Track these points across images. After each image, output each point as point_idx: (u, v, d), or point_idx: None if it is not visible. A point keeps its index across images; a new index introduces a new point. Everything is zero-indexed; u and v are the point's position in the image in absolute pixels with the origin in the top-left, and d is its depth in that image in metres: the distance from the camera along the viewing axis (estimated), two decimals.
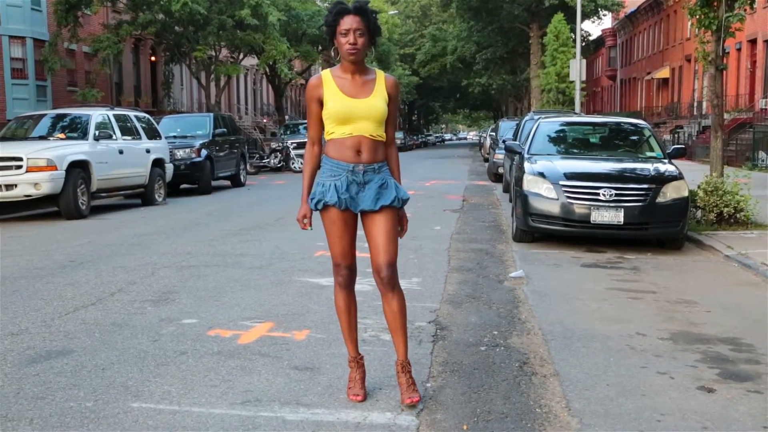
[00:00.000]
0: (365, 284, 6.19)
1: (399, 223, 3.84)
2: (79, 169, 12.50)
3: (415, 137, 72.47)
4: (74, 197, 12.27)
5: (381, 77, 3.77)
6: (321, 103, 3.71)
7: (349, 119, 3.65)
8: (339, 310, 3.89)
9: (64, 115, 14.38)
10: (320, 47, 38.50)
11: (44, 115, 14.80)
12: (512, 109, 60.40)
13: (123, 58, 29.40)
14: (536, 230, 9.02)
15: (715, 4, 10.46)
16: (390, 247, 3.74)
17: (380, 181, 3.73)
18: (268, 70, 37.59)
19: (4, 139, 13.57)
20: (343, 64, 3.71)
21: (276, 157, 27.55)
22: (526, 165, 9.41)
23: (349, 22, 3.58)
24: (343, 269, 3.82)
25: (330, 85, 3.69)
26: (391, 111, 3.77)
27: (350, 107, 3.64)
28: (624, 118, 11.68)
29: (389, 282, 3.74)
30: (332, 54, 3.75)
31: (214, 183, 18.72)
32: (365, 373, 3.95)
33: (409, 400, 3.74)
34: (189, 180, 17.86)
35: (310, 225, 3.79)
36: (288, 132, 31.78)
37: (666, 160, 9.50)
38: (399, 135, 56.28)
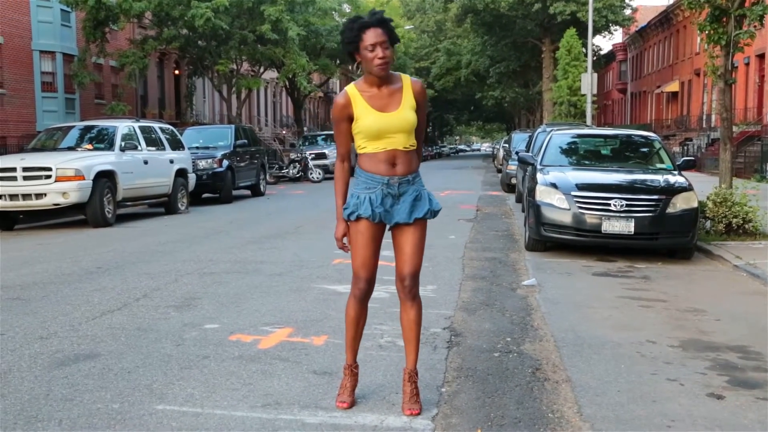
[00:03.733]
0: (382, 291, 6.30)
1: None
2: (105, 178, 12.77)
3: (430, 148, 72.71)
4: (101, 206, 12.53)
5: (407, 84, 3.68)
6: (350, 120, 3.65)
7: (382, 134, 3.60)
8: (348, 320, 3.88)
9: (92, 127, 14.69)
10: (338, 61, 38.81)
11: (72, 126, 15.09)
12: (525, 122, 60.44)
13: (148, 71, 29.75)
14: (548, 239, 9.09)
15: (725, 19, 10.53)
16: (416, 259, 3.76)
17: (415, 192, 3.71)
18: (287, 83, 37.95)
19: (34, 149, 13.92)
20: (368, 78, 3.63)
21: (295, 167, 27.85)
22: (539, 176, 9.50)
23: (373, 36, 3.51)
24: (362, 282, 3.77)
25: (358, 101, 3.62)
26: (420, 118, 3.70)
27: (382, 123, 3.59)
28: (634, 131, 11.73)
29: (410, 291, 3.78)
30: (353, 68, 3.76)
31: (234, 192, 18.92)
32: (357, 383, 3.97)
33: (408, 411, 3.78)
34: (211, 189, 18.11)
35: (349, 245, 3.74)
36: (306, 143, 32.20)
37: (676, 172, 9.56)
38: None
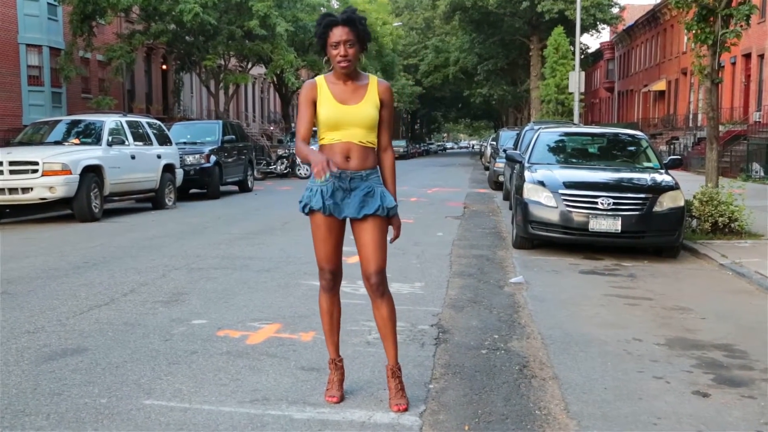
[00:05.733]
0: None
1: (394, 229, 3.83)
2: (92, 173, 12.71)
3: (417, 145, 72.99)
4: (88, 201, 12.49)
5: (374, 83, 3.76)
6: (314, 106, 3.72)
7: (339, 125, 3.66)
8: (321, 312, 3.93)
9: (79, 121, 14.60)
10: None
11: (59, 121, 14.99)
12: (512, 119, 60.63)
13: (135, 66, 29.60)
14: (536, 237, 9.12)
15: (711, 19, 10.59)
16: (378, 255, 3.75)
17: (367, 189, 3.72)
18: (275, 79, 37.81)
19: (20, 143, 13.83)
20: (336, 72, 3.72)
21: (282, 163, 27.85)
22: (527, 174, 9.53)
23: (338, 34, 3.58)
24: (326, 273, 3.85)
25: (324, 90, 3.70)
26: (385, 116, 3.77)
27: (340, 113, 3.65)
28: (622, 129, 11.79)
29: (378, 289, 3.78)
30: (324, 64, 3.78)
31: (222, 188, 18.90)
32: (344, 376, 4.00)
33: (396, 407, 3.79)
34: (198, 185, 18.06)
35: (332, 168, 3.41)
36: (294, 139, 32.08)
37: (662, 171, 9.61)
38: (402, 143, 56.53)
